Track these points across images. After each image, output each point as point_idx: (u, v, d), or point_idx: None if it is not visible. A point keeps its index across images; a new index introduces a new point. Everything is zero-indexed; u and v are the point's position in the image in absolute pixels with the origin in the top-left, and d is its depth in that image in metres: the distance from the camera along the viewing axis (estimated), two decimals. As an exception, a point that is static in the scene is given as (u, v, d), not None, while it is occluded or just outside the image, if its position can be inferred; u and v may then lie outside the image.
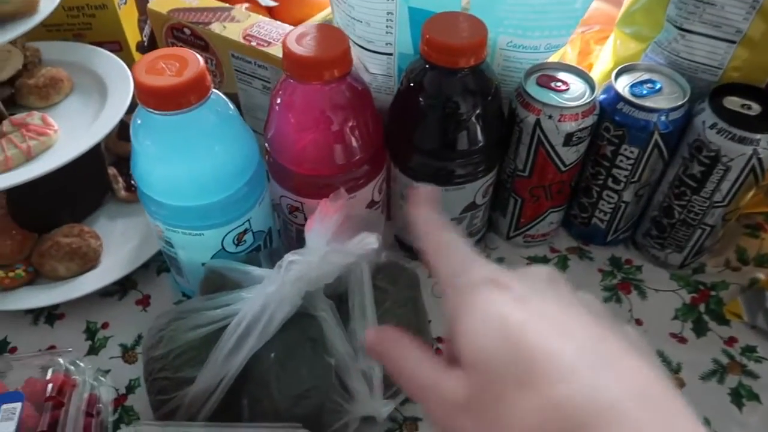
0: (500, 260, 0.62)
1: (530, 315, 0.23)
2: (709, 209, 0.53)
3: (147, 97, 0.41)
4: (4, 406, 0.41)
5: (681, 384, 0.52)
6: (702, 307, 0.58)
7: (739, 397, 0.52)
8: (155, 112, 0.41)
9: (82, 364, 0.46)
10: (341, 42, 0.44)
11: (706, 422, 0.50)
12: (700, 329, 0.56)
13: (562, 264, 0.61)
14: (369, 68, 0.55)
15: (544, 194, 0.56)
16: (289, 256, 0.42)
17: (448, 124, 0.49)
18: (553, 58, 0.54)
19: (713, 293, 0.59)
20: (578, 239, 0.63)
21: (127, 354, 0.54)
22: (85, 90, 0.61)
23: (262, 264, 0.48)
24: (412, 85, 0.49)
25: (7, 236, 0.57)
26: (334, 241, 0.43)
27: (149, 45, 0.70)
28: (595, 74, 0.53)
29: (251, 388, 0.43)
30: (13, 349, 0.54)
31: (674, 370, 0.53)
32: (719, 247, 0.60)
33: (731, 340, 0.55)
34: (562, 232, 0.64)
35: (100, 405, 0.47)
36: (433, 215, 0.28)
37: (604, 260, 0.62)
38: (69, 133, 0.56)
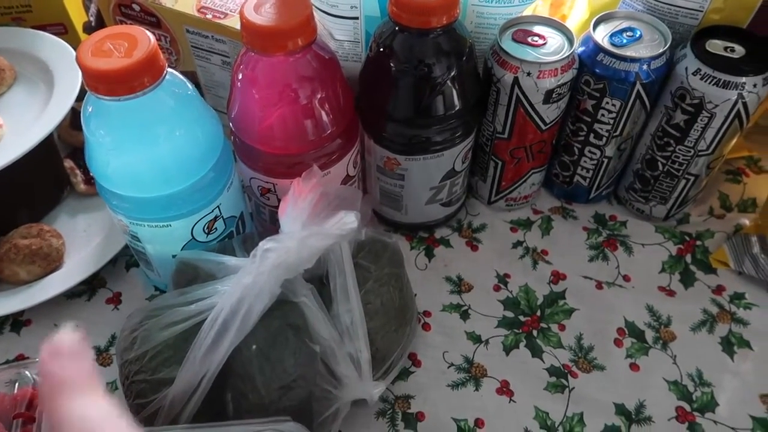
0: (483, 226, 0.60)
1: None
2: (693, 159, 0.52)
3: (95, 82, 0.38)
4: (-29, 428, 0.38)
5: (672, 337, 0.52)
6: (688, 258, 0.57)
7: (730, 345, 0.51)
8: (106, 98, 0.38)
9: (52, 373, 0.43)
10: (303, 7, 0.41)
11: (699, 373, 0.50)
12: (687, 280, 0.56)
13: (546, 225, 0.60)
14: (334, 35, 0.52)
15: (525, 155, 0.54)
16: (264, 244, 0.40)
17: (422, 90, 0.46)
18: (525, 12, 0.51)
19: (699, 243, 0.58)
20: (561, 198, 0.62)
21: (101, 356, 0.52)
22: (30, 79, 0.58)
23: (236, 251, 0.46)
24: (381, 50, 0.46)
25: (-40, 242, 0.53)
26: (310, 224, 0.41)
27: (97, 25, 0.65)
28: (571, 26, 0.50)
29: (234, 383, 0.41)
30: (-21, 361, 0.51)
31: (664, 323, 0.53)
32: (702, 195, 0.59)
33: (719, 289, 0.55)
34: (544, 193, 0.63)
35: (77, 413, 0.44)
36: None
37: (588, 218, 0.61)
38: (16, 127, 0.53)
